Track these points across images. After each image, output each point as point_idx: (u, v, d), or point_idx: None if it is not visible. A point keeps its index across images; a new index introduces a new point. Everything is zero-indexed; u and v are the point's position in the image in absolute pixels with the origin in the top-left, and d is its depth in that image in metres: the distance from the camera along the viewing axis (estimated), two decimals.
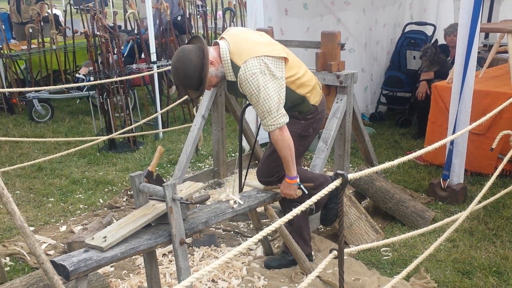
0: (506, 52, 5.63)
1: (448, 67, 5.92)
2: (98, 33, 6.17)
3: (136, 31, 7.58)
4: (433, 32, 6.98)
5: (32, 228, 4.34)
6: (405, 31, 7.27)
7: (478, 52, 4.87)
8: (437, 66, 6.11)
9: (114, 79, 5.87)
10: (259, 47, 3.09)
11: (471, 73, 4.27)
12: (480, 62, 5.66)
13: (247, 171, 3.88)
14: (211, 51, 3.08)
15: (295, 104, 3.24)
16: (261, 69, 2.99)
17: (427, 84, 6.01)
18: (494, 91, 4.85)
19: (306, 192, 3.26)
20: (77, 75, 7.70)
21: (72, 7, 9.49)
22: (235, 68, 3.05)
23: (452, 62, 6.00)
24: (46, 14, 8.86)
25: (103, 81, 5.80)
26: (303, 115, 3.32)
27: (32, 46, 8.34)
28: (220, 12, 8.82)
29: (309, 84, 3.27)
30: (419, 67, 6.48)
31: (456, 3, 7.44)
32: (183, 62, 2.99)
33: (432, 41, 6.49)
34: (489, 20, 6.73)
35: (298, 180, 3.24)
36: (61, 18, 10.39)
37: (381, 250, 3.86)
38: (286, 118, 3.07)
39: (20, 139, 5.72)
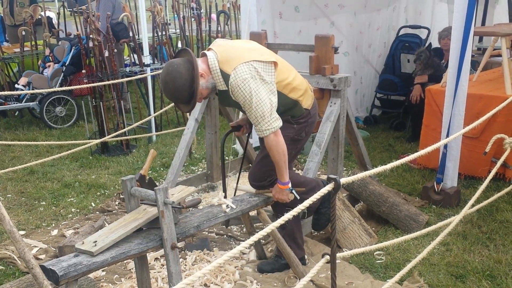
0: (499, 55, 5.64)
1: (442, 70, 5.92)
2: (91, 36, 6.13)
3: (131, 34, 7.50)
4: (428, 36, 6.99)
5: (23, 232, 4.30)
6: (400, 34, 7.27)
7: (472, 56, 4.87)
8: (431, 70, 6.11)
9: (91, 84, 5.84)
10: (247, 53, 3.06)
11: (465, 76, 4.26)
12: (474, 65, 5.66)
13: (239, 174, 3.86)
14: (200, 63, 3.04)
15: (287, 108, 3.23)
16: (252, 74, 2.97)
17: (421, 88, 6.01)
18: (487, 94, 4.85)
19: (298, 197, 3.24)
20: (16, 85, 7.45)
21: (65, 9, 9.44)
22: (225, 76, 3.02)
23: (446, 66, 6.00)
24: (39, 17, 8.82)
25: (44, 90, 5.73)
26: (295, 119, 3.30)
27: (25, 48, 8.29)
28: (214, 15, 8.81)
29: (300, 88, 3.26)
30: (413, 71, 6.48)
31: (450, 7, 7.46)
32: (172, 76, 2.95)
33: (426, 44, 6.50)
34: (483, 23, 6.74)
35: (290, 185, 3.22)
36: (55, 21, 10.35)
37: (375, 253, 3.85)
38: (279, 122, 3.05)
39: (12, 142, 5.69)
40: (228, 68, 3.00)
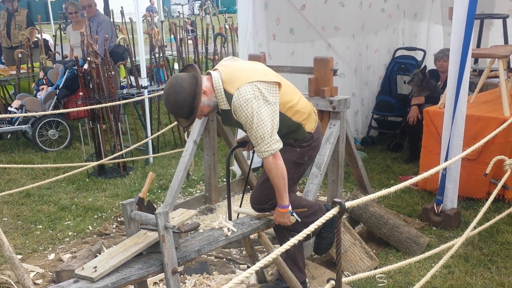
0: (496, 77, 5.68)
1: (439, 92, 5.96)
2: (89, 58, 6.14)
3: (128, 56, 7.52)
4: (423, 57, 7.04)
5: (19, 256, 4.23)
6: (396, 56, 7.33)
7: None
8: (427, 91, 6.14)
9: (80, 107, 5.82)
10: (251, 73, 3.07)
11: (463, 98, 4.28)
12: (471, 87, 5.69)
13: (242, 197, 3.84)
14: (204, 81, 3.05)
15: (290, 131, 3.22)
16: (255, 94, 2.97)
17: (418, 109, 6.03)
18: (485, 116, 4.87)
19: (299, 220, 3.22)
20: (9, 108, 7.39)
21: (62, 32, 9.47)
22: (229, 96, 3.02)
23: (442, 87, 6.04)
24: (36, 39, 8.83)
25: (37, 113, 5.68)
26: (298, 143, 3.29)
27: (22, 71, 8.29)
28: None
29: (304, 111, 3.26)
30: (410, 92, 6.52)
31: (445, 29, 7.54)
32: (175, 90, 2.96)
33: (422, 67, 6.54)
34: (478, 45, 6.81)
35: (290, 208, 3.20)
36: (51, 43, 10.37)
37: (376, 276, 3.81)
38: (279, 144, 3.04)
39: (8, 165, 5.64)
40: (232, 88, 3.00)
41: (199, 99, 2.97)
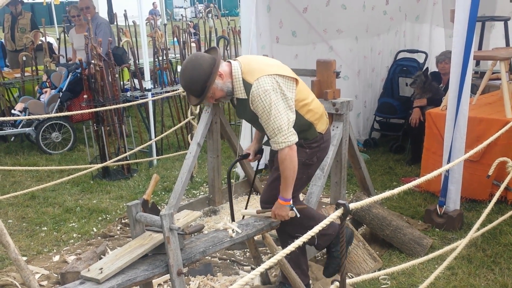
0: (498, 79, 5.70)
1: (441, 94, 5.97)
2: (93, 61, 6.17)
3: (132, 60, 7.55)
4: (425, 60, 7.06)
5: (24, 258, 4.26)
6: (397, 58, 7.35)
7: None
8: (429, 93, 6.16)
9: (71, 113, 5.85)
10: (270, 67, 3.13)
11: (466, 100, 4.30)
12: (473, 89, 5.71)
13: (248, 199, 3.87)
14: (223, 65, 3.11)
15: (302, 129, 3.23)
16: (273, 86, 3.02)
17: (420, 111, 6.05)
18: (487, 118, 4.89)
19: (298, 215, 3.24)
20: (12, 111, 7.42)
21: (66, 35, 9.51)
22: (247, 85, 3.06)
23: (444, 89, 6.06)
24: (40, 42, 8.87)
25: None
26: (308, 143, 3.29)
27: (26, 74, 8.33)
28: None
29: (317, 111, 3.29)
30: (412, 94, 6.53)
31: (447, 31, 7.55)
32: (192, 65, 3.02)
33: (424, 68, 6.56)
34: (479, 47, 6.82)
35: (291, 202, 3.22)
36: (55, 46, 10.41)
37: (380, 278, 3.83)
38: (296, 137, 3.08)
39: (13, 167, 5.67)
40: (251, 78, 3.05)
41: (213, 79, 3.01)
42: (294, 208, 3.25)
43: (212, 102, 3.28)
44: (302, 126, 3.23)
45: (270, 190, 3.39)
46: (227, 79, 3.11)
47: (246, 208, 3.75)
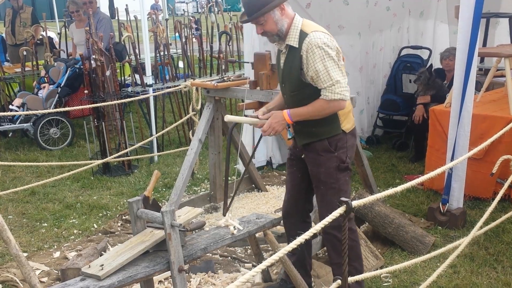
0: (502, 76, 5.66)
1: (445, 91, 5.94)
2: (94, 56, 6.14)
3: (133, 54, 7.51)
4: (429, 56, 7.02)
5: (25, 254, 4.23)
6: (401, 54, 7.30)
7: None
8: (433, 90, 6.12)
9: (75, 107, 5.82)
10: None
11: (470, 97, 4.27)
12: (477, 86, 5.67)
13: (234, 194, 3.83)
14: (289, 8, 3.06)
15: (325, 121, 3.09)
16: (333, 44, 2.97)
17: (423, 108, 6.01)
18: (492, 115, 4.85)
19: (293, 135, 3.21)
20: (10, 106, 7.35)
21: (66, 29, 9.47)
22: (302, 34, 3.00)
23: (448, 86, 6.02)
24: (41, 37, 8.84)
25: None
26: (332, 142, 3.13)
27: (26, 69, 8.29)
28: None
29: (347, 107, 3.16)
30: (415, 91, 6.49)
31: (451, 28, 7.51)
32: None
33: (428, 65, 6.52)
34: (484, 44, 6.77)
35: (291, 127, 3.18)
36: (55, 40, 10.37)
37: (382, 276, 3.80)
38: (349, 94, 3.03)
39: (13, 163, 5.65)
40: (308, 29, 3.00)
41: (276, 4, 2.94)
42: (290, 129, 3.19)
43: (258, 33, 3.12)
44: (328, 117, 3.07)
45: (326, 211, 3.05)
46: (286, 19, 3.03)
47: (234, 194, 3.70)
